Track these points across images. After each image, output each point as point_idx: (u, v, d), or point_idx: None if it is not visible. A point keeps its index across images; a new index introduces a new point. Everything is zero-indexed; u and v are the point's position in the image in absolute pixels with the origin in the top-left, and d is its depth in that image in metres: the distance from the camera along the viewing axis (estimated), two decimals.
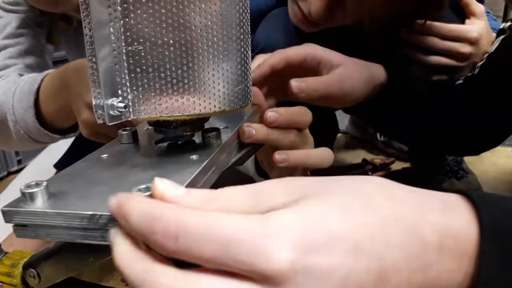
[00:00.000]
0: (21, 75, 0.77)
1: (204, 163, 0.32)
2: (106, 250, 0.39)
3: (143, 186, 0.26)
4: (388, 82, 0.59)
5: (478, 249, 0.23)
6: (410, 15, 0.70)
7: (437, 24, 0.73)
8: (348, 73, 0.53)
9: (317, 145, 0.58)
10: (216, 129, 0.36)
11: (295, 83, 0.49)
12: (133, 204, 0.22)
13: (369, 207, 0.23)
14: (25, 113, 0.66)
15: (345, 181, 0.25)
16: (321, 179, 0.25)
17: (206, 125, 0.37)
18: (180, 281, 0.20)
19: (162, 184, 0.24)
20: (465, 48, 0.73)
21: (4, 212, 0.28)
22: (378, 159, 1.17)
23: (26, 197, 0.27)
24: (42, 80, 0.66)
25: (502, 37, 0.67)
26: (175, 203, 0.24)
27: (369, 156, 1.22)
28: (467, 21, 0.75)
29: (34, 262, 0.45)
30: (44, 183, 0.28)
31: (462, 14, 0.75)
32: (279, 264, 0.19)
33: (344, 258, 0.20)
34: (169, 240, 0.21)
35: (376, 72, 0.58)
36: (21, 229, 0.28)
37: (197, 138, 0.38)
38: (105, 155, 0.36)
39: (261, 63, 0.51)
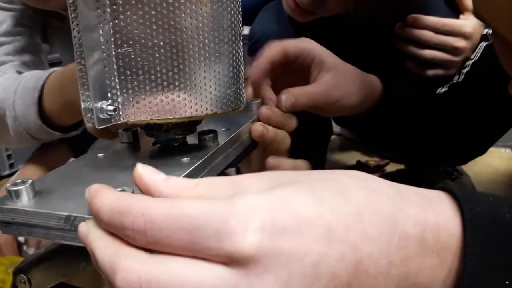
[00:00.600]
0: (18, 72, 0.77)
1: (193, 166, 0.31)
2: None
3: (127, 188, 0.26)
4: (383, 95, 0.57)
5: (461, 243, 0.23)
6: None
7: (431, 18, 0.73)
8: (337, 82, 0.51)
9: (310, 146, 0.58)
10: (213, 131, 0.36)
11: (285, 97, 0.47)
12: (102, 199, 0.22)
13: (342, 196, 0.22)
14: (27, 110, 0.66)
15: (321, 173, 0.24)
16: (300, 172, 0.25)
17: (206, 127, 0.37)
18: (148, 264, 0.20)
19: (142, 169, 0.24)
20: (459, 43, 0.73)
21: None
22: (372, 161, 1.17)
23: (12, 194, 0.27)
24: (47, 78, 0.66)
25: (485, 44, 0.67)
26: (152, 187, 0.24)
27: (363, 158, 1.22)
28: (461, 16, 0.75)
29: (25, 267, 0.44)
30: (30, 181, 0.28)
31: (456, 9, 0.75)
32: (246, 246, 0.19)
33: (315, 243, 0.20)
34: (139, 234, 0.21)
35: (373, 82, 0.57)
36: (5, 226, 0.28)
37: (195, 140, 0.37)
38: (102, 154, 0.36)
39: (258, 58, 0.49)
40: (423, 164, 0.96)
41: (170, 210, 0.20)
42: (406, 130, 0.63)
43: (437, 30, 0.73)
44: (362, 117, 0.58)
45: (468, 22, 0.73)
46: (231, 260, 0.20)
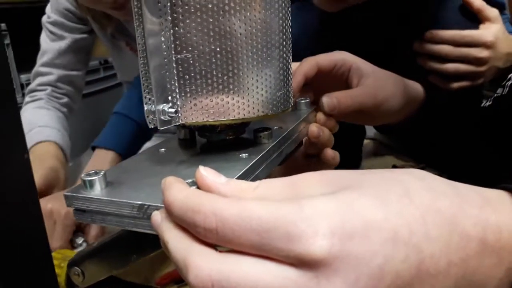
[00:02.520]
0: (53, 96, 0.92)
1: (253, 161, 0.33)
2: (149, 247, 0.41)
3: (190, 180, 0.27)
4: (426, 99, 0.57)
5: None
6: None
7: (449, 31, 0.72)
8: (381, 84, 0.51)
9: (344, 149, 0.58)
10: (268, 129, 0.37)
11: (326, 100, 0.48)
12: (175, 193, 0.24)
13: (407, 198, 0.23)
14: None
15: (382, 173, 0.25)
16: (357, 171, 0.25)
17: (257, 126, 0.38)
18: (220, 263, 0.21)
19: (204, 171, 0.26)
20: (482, 53, 0.71)
21: (66, 197, 0.30)
22: (408, 166, 1.16)
23: (86, 184, 0.30)
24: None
25: None
26: (214, 190, 0.25)
27: (398, 163, 1.21)
28: (481, 26, 0.73)
29: (79, 260, 0.46)
30: (102, 172, 0.30)
31: (474, 19, 0.74)
32: (317, 250, 0.20)
33: (382, 246, 0.21)
34: (210, 233, 0.22)
35: (413, 86, 0.57)
36: (80, 213, 0.30)
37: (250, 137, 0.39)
38: (163, 149, 0.38)
39: (293, 72, 0.50)
40: (462, 176, 0.93)
41: (240, 212, 0.21)
42: (448, 140, 0.62)
43: (457, 43, 0.72)
44: (405, 124, 0.57)
45: (488, 32, 0.72)
46: (301, 263, 0.20)
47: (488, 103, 0.66)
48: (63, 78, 1.02)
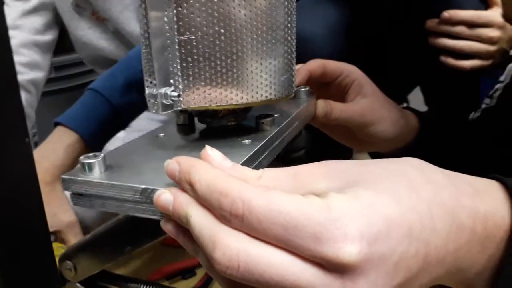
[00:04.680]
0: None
1: (256, 148, 0.32)
2: (144, 238, 0.40)
3: None
4: (420, 127, 0.57)
5: (505, 234, 0.24)
6: None
7: (467, 12, 0.74)
8: (373, 107, 0.51)
9: (335, 141, 0.58)
10: (271, 115, 0.37)
11: (322, 104, 0.48)
12: (201, 173, 0.23)
13: (414, 192, 0.23)
14: None
15: (384, 165, 0.25)
16: (358, 162, 0.25)
17: (258, 113, 0.38)
18: (249, 245, 0.21)
19: (211, 152, 0.25)
20: (494, 33, 0.74)
21: (63, 180, 0.28)
22: None
23: (85, 167, 0.28)
24: None
25: None
26: None
27: None
28: (489, 9, 0.76)
29: (70, 253, 0.45)
30: (102, 155, 0.29)
31: (483, 2, 0.77)
32: (346, 255, 0.20)
33: (399, 244, 0.21)
34: (235, 219, 0.21)
35: (409, 117, 0.57)
36: (77, 197, 0.29)
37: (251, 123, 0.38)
38: (162, 134, 0.37)
39: (298, 68, 0.50)
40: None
41: (269, 203, 0.21)
42: (444, 162, 0.62)
43: (473, 23, 0.74)
44: (397, 155, 0.58)
45: (497, 13, 0.75)
46: (328, 264, 0.20)
47: (476, 115, 0.67)
48: (27, 44, 0.92)
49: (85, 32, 1.00)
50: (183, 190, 0.24)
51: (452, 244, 0.23)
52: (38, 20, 0.94)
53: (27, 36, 0.92)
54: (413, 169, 0.25)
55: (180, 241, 0.25)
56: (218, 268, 0.21)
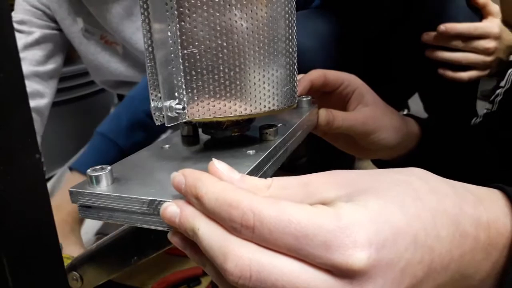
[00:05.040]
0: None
1: (261, 158, 0.32)
2: (150, 249, 0.40)
3: None
4: (422, 134, 0.58)
5: (508, 241, 0.25)
6: None
7: (463, 24, 0.74)
8: (375, 115, 0.52)
9: (336, 150, 0.59)
10: (274, 126, 0.37)
11: (324, 113, 0.49)
12: (208, 186, 0.23)
13: (419, 201, 0.24)
14: None
15: (390, 175, 0.26)
16: (364, 172, 0.26)
17: (261, 123, 0.38)
18: (260, 255, 0.21)
19: (219, 165, 0.25)
20: (490, 44, 0.75)
21: (71, 193, 0.29)
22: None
23: (92, 179, 0.29)
24: None
25: None
26: None
27: None
28: (484, 20, 0.77)
29: (77, 264, 0.45)
30: (109, 168, 0.29)
31: (478, 14, 0.77)
32: (356, 261, 0.21)
33: (405, 251, 0.22)
34: (246, 230, 0.22)
35: (410, 124, 0.57)
36: (85, 210, 0.30)
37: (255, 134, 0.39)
38: (167, 145, 0.38)
39: (300, 78, 0.51)
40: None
41: (280, 214, 0.21)
42: (446, 168, 0.62)
43: (470, 35, 0.74)
44: (399, 162, 0.58)
45: (494, 24, 0.75)
46: (338, 271, 0.21)
47: (478, 120, 0.67)
48: (29, 76, 0.95)
49: (96, 56, 1.02)
50: (189, 203, 0.24)
51: (456, 251, 0.24)
52: (39, 52, 0.96)
53: (27, 68, 0.94)
54: (418, 179, 0.25)
55: (188, 253, 0.26)
56: (231, 278, 0.21)
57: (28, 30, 0.95)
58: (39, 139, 0.97)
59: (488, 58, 0.75)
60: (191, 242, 0.25)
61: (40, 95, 0.96)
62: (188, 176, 0.24)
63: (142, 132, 0.78)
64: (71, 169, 0.79)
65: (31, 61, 0.95)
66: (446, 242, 0.24)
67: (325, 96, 0.53)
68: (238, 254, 0.21)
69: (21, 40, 0.94)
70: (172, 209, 0.25)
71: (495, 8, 0.76)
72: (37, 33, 0.96)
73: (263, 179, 0.26)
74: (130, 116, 0.78)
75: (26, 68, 0.95)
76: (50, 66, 0.99)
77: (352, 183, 0.25)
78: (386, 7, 0.79)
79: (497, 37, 0.75)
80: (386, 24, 0.81)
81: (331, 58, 0.75)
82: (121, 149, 0.78)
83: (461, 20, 0.75)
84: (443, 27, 0.74)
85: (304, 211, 0.22)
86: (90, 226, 0.86)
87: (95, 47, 1.01)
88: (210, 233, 0.23)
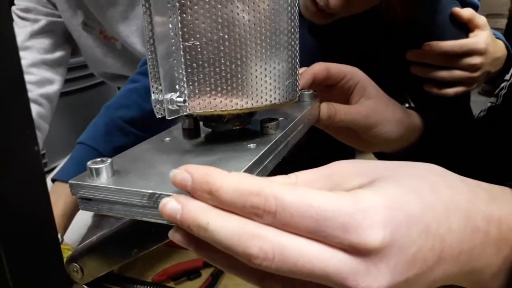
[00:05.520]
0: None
1: (262, 152, 0.32)
2: (151, 241, 0.40)
3: None
4: (424, 126, 0.58)
5: None
6: None
7: (448, 43, 0.73)
8: (378, 108, 0.52)
9: (338, 142, 0.59)
10: (275, 119, 0.37)
11: (325, 107, 0.49)
12: (220, 179, 0.23)
13: (435, 193, 0.25)
14: None
15: (410, 168, 0.27)
16: (387, 162, 0.27)
17: (262, 117, 0.38)
18: (281, 237, 0.22)
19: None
20: (475, 60, 0.73)
21: (71, 185, 0.29)
22: None
23: (92, 172, 0.29)
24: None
25: None
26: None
27: None
28: (471, 34, 0.75)
29: (77, 256, 0.45)
30: (109, 160, 0.29)
31: (464, 28, 0.76)
32: (371, 240, 0.22)
33: (418, 237, 0.24)
34: (268, 215, 0.23)
35: (412, 116, 0.57)
36: (85, 202, 0.29)
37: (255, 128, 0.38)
38: (168, 138, 0.38)
39: (302, 71, 0.50)
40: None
41: (301, 199, 0.22)
42: (450, 161, 0.62)
43: (455, 53, 0.73)
44: (402, 154, 0.58)
45: (480, 39, 0.74)
46: (355, 250, 0.22)
47: (482, 113, 0.67)
48: (37, 64, 0.95)
49: (93, 50, 1.02)
50: (196, 198, 0.24)
51: (467, 244, 0.25)
52: (46, 41, 0.96)
53: (35, 56, 0.94)
54: (436, 175, 0.27)
55: (193, 249, 0.26)
56: (256, 262, 0.22)
57: (33, 18, 0.95)
58: (47, 126, 0.97)
59: (475, 74, 0.74)
60: (195, 238, 0.25)
61: (49, 82, 0.97)
62: (195, 172, 0.24)
63: (120, 136, 0.79)
64: (54, 180, 0.78)
65: (38, 49, 0.95)
66: (457, 234, 0.25)
67: (327, 89, 0.53)
68: (261, 238, 0.22)
69: (27, 28, 0.94)
70: (172, 205, 0.24)
71: (481, 20, 0.75)
72: (43, 21, 0.96)
73: (286, 177, 0.27)
74: (107, 121, 0.79)
75: (34, 56, 0.95)
76: (58, 54, 0.99)
77: (373, 172, 0.26)
78: (368, 31, 0.79)
79: (483, 52, 0.73)
80: (369, 46, 0.81)
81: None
82: (101, 154, 0.77)
83: (447, 37, 0.74)
84: (427, 46, 0.73)
85: (324, 196, 0.23)
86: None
87: (93, 40, 1.01)
88: (226, 224, 0.23)
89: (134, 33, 0.94)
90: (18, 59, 0.20)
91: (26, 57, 0.94)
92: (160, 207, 0.25)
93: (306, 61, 0.74)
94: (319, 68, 0.50)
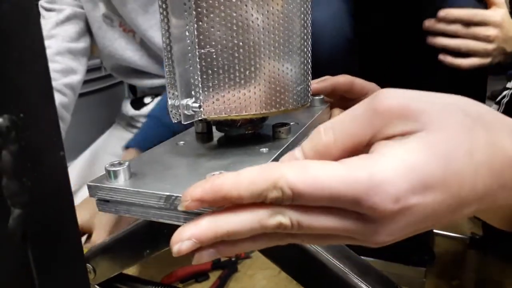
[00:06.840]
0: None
1: (274, 156, 0.33)
2: (163, 242, 0.41)
3: (217, 172, 0.27)
4: None
5: None
6: None
7: (462, 10, 0.74)
8: None
9: None
10: (287, 124, 0.38)
11: (338, 113, 0.49)
12: (232, 189, 0.24)
13: (469, 156, 0.24)
14: None
15: (458, 114, 0.25)
16: (445, 104, 0.25)
17: (274, 122, 0.39)
18: (297, 211, 0.24)
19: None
20: (490, 31, 0.74)
21: (89, 187, 0.30)
22: None
23: (110, 174, 0.30)
24: None
25: None
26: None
27: None
28: (488, 10, 0.76)
29: (90, 256, 0.46)
30: (127, 163, 0.30)
31: (483, 3, 0.77)
32: (381, 213, 0.23)
33: (432, 203, 0.23)
34: (287, 202, 0.24)
35: None
36: (103, 204, 0.30)
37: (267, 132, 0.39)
38: (182, 142, 0.38)
39: (325, 78, 0.50)
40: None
41: (314, 183, 0.23)
42: None
43: (469, 22, 0.74)
44: None
45: (496, 13, 0.75)
46: (364, 218, 0.24)
47: (507, 99, 0.67)
48: (62, 52, 0.96)
49: (112, 42, 1.03)
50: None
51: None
52: (71, 29, 0.97)
53: (61, 44, 0.95)
54: (484, 131, 0.25)
55: (221, 254, 0.26)
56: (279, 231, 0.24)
57: (58, 8, 0.97)
58: (69, 117, 0.98)
59: (489, 46, 0.75)
60: (215, 246, 0.25)
61: (73, 72, 0.98)
62: (205, 195, 0.24)
63: None
64: (127, 147, 0.82)
65: (63, 37, 0.97)
66: (479, 193, 0.24)
67: (344, 98, 0.53)
68: (284, 215, 0.24)
69: (52, 18, 0.96)
70: (187, 244, 0.25)
71: None
72: (68, 10, 0.98)
73: (291, 154, 0.27)
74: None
75: (59, 44, 0.96)
76: (81, 44, 1.01)
77: (421, 118, 0.24)
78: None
79: (498, 25, 0.74)
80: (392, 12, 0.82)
81: (341, 33, 0.76)
82: (168, 126, 0.82)
83: (463, 7, 0.75)
84: (442, 12, 0.75)
85: (336, 175, 0.23)
86: None
87: (113, 33, 1.02)
88: (248, 216, 0.24)
89: (154, 26, 0.96)
90: (47, 68, 0.21)
91: (51, 46, 0.95)
92: (176, 252, 0.25)
93: (330, 22, 0.75)
94: (344, 81, 0.50)
